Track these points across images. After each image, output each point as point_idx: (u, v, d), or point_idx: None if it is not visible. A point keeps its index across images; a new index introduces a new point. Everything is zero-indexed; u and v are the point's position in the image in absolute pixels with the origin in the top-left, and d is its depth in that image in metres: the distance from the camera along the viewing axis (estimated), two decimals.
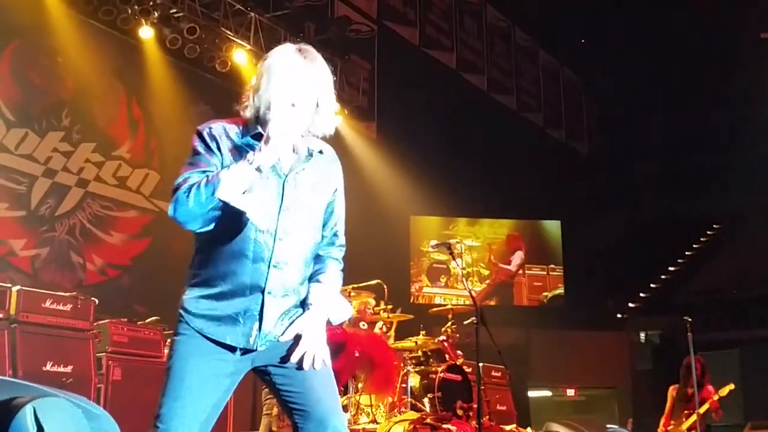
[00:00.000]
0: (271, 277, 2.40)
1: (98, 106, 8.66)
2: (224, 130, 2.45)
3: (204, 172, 2.34)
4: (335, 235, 2.63)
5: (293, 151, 2.47)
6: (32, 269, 7.71)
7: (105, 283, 8.30)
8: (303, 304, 2.51)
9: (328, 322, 2.57)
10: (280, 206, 2.42)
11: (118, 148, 8.81)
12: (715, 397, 7.49)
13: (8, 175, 7.68)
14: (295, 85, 2.41)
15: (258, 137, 2.38)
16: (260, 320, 2.39)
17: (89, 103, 8.54)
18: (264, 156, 2.31)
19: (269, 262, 2.40)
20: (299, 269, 2.49)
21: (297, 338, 2.44)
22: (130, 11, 8.24)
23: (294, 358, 2.42)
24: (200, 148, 2.42)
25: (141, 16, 8.31)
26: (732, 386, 7.57)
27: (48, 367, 5.37)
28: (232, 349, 2.40)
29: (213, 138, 2.43)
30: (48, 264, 7.86)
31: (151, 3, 8.28)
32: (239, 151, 2.39)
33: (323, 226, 2.58)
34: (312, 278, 2.55)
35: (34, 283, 7.23)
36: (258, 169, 2.33)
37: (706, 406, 7.44)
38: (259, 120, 2.43)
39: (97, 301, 5.90)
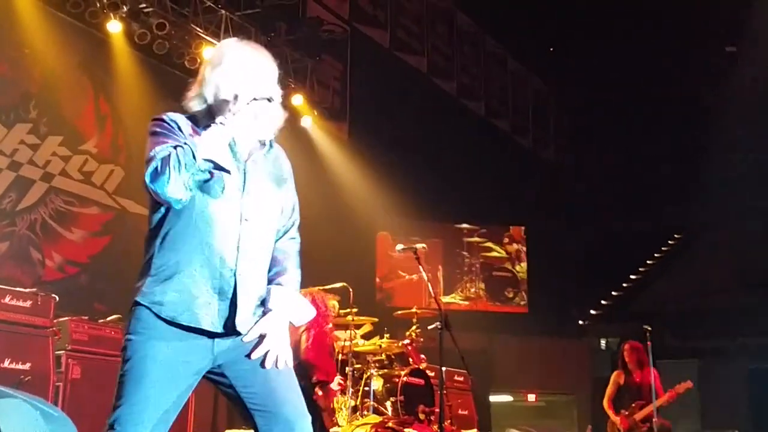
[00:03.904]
0: (240, 259, 2.40)
1: (66, 99, 8.52)
2: (181, 117, 2.48)
3: (174, 146, 2.32)
4: (292, 226, 2.64)
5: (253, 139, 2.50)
6: None
7: (63, 280, 8.16)
8: (263, 306, 2.49)
9: (291, 324, 2.56)
10: (243, 189, 2.44)
11: (85, 142, 8.69)
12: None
13: None
14: (258, 74, 2.46)
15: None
16: (234, 302, 2.38)
17: (57, 96, 8.39)
18: (236, 120, 2.34)
19: (237, 242, 2.40)
20: (263, 254, 2.50)
21: (261, 338, 2.43)
22: (98, 5, 8.12)
23: (255, 355, 2.40)
24: (163, 128, 2.42)
25: (110, 10, 8.19)
26: (690, 384, 7.66)
27: (6, 364, 5.28)
28: (203, 337, 2.36)
29: (173, 120, 2.45)
30: (7, 259, 7.71)
31: None
32: (198, 136, 2.39)
33: (280, 217, 2.59)
34: (272, 280, 2.54)
35: None
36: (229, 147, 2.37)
37: (660, 401, 7.51)
38: (212, 112, 2.43)
39: (57, 298, 5.81)
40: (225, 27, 9.19)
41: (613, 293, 15.66)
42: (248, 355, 2.42)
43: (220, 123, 2.34)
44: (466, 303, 14.08)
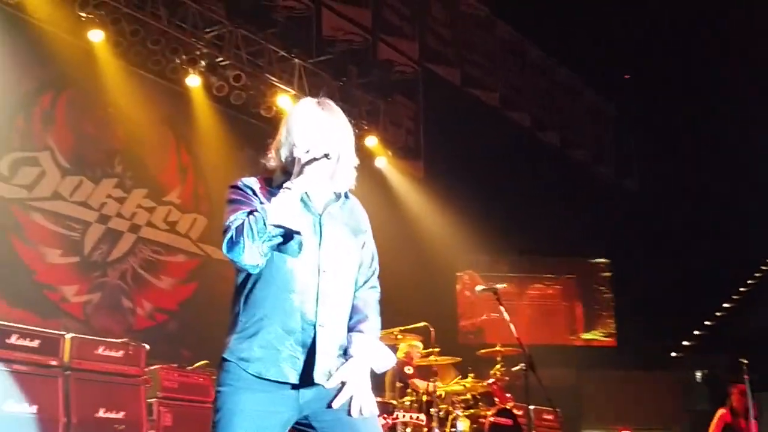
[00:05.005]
0: (320, 311, 2.44)
1: (149, 153, 8.86)
2: (255, 181, 2.56)
3: (248, 212, 2.39)
4: (372, 276, 2.67)
5: (326, 191, 2.54)
6: (84, 315, 7.83)
7: (153, 328, 8.40)
8: (345, 354, 2.51)
9: (372, 372, 2.56)
10: (320, 241, 2.48)
11: (168, 193, 8.99)
12: None
13: (63, 222, 7.87)
14: (317, 134, 2.49)
15: None
16: (314, 353, 2.41)
17: (140, 151, 8.74)
18: (299, 182, 2.39)
19: (316, 295, 2.44)
20: (343, 304, 2.53)
21: (343, 386, 2.45)
22: (178, 61, 8.44)
23: (338, 403, 2.42)
24: (238, 195, 2.51)
25: (188, 66, 8.50)
26: None
27: (101, 413, 5.44)
28: (288, 388, 2.40)
29: (247, 186, 2.53)
30: (99, 309, 7.99)
31: (198, 52, 8.48)
32: (272, 197, 2.44)
33: (359, 267, 2.61)
34: (353, 328, 2.56)
35: (86, 328, 7.35)
36: (301, 200, 2.42)
37: None
38: (286, 172, 2.50)
39: (148, 347, 5.97)
40: (298, 75, 9.39)
41: (706, 323, 15.07)
42: (332, 405, 2.43)
43: (286, 187, 2.40)
44: (608, 339, 13.94)
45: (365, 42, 11.54)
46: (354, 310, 2.58)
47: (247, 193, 2.51)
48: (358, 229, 2.63)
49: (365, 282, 2.64)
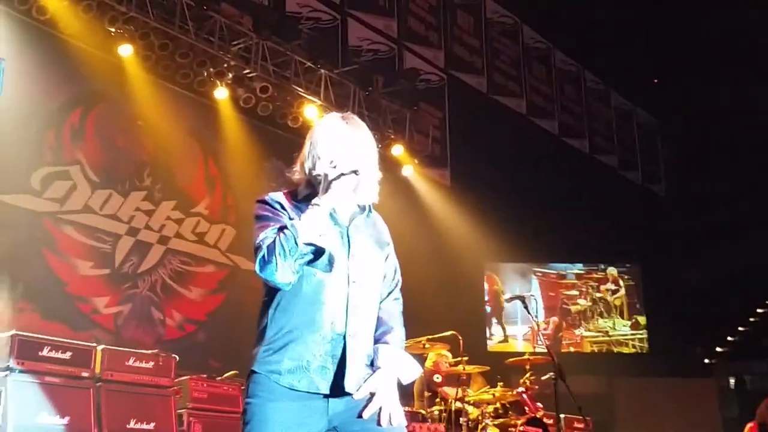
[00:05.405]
0: (350, 321, 2.46)
1: (177, 165, 8.94)
2: (281, 195, 2.58)
3: (277, 229, 2.42)
4: (395, 288, 2.70)
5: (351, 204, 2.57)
6: (115, 326, 7.91)
7: (182, 338, 8.45)
8: (372, 365, 2.53)
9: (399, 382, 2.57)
10: (348, 252, 2.51)
11: (196, 205, 9.06)
12: None
13: (94, 235, 7.96)
14: (341, 149, 2.51)
15: (310, 198, 2.47)
16: (344, 363, 2.43)
17: (169, 163, 8.83)
18: (327, 198, 2.41)
19: (346, 305, 2.46)
20: (370, 314, 2.56)
21: (371, 397, 2.46)
22: (206, 74, 8.53)
23: (367, 413, 2.43)
24: (266, 210, 2.53)
25: (216, 78, 8.58)
26: None
27: (131, 424, 5.49)
28: (318, 398, 2.41)
29: (275, 200, 2.55)
30: (130, 320, 8.06)
31: (225, 65, 8.56)
32: (299, 210, 2.48)
33: (383, 278, 2.65)
34: (378, 340, 2.58)
35: (117, 339, 7.43)
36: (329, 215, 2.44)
37: None
38: (310, 185, 2.54)
39: (177, 358, 6.01)
40: (325, 85, 9.43)
41: (740, 329, 14.85)
42: (361, 415, 2.44)
43: (315, 204, 2.42)
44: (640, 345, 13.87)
45: (391, 51, 11.57)
46: (379, 321, 2.60)
47: (275, 208, 2.53)
48: (383, 242, 2.66)
49: (389, 294, 2.67)
